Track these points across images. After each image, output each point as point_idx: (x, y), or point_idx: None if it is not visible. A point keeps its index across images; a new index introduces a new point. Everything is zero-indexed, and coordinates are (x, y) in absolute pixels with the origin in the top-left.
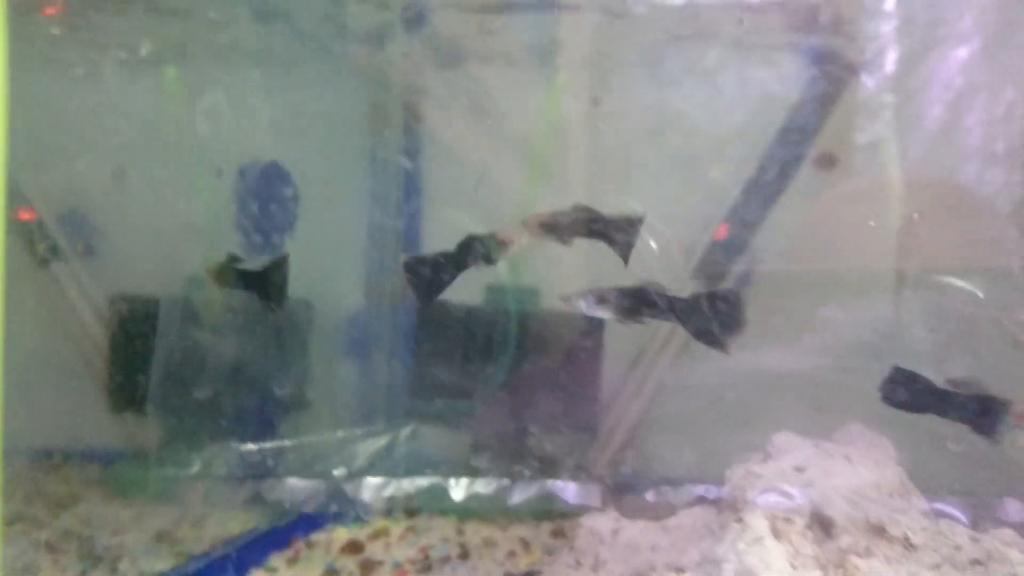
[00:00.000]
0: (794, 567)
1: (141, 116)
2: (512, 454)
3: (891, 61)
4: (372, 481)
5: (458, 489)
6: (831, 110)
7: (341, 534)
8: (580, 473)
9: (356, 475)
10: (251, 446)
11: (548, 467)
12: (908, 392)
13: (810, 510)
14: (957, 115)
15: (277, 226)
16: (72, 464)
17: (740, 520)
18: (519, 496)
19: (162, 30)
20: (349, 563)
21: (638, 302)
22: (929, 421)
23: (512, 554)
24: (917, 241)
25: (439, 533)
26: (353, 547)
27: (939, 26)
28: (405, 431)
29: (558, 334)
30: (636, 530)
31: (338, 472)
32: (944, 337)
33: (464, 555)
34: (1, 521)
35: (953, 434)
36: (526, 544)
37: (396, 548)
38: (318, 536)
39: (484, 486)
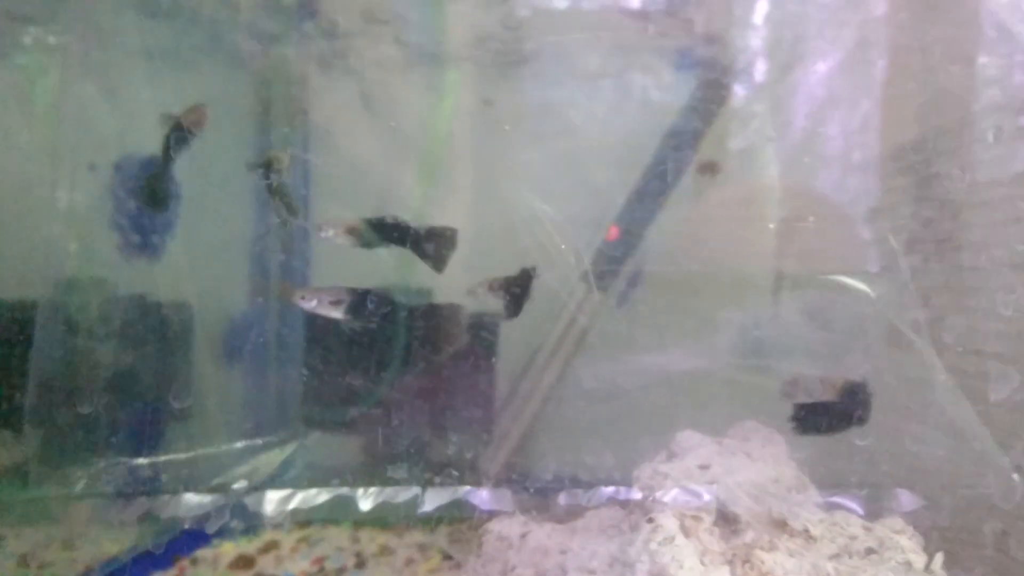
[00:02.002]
0: (704, 564)
1: (5, 105)
2: (417, 460)
3: (760, 72)
4: (274, 494)
5: (366, 499)
6: (713, 118)
7: (228, 549)
8: (480, 477)
9: (256, 488)
10: (141, 460)
11: (449, 473)
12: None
13: (716, 507)
14: (820, 124)
15: (157, 225)
16: None
17: (651, 520)
18: (431, 504)
19: (34, 12)
20: None
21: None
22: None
23: (410, 561)
24: (794, 244)
25: (333, 543)
26: (242, 562)
27: (803, 41)
28: (305, 440)
29: (452, 336)
30: (544, 533)
31: (238, 485)
32: (836, 336)
33: (361, 564)
34: None
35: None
36: (424, 550)
37: (288, 560)
38: (204, 552)
39: (393, 495)
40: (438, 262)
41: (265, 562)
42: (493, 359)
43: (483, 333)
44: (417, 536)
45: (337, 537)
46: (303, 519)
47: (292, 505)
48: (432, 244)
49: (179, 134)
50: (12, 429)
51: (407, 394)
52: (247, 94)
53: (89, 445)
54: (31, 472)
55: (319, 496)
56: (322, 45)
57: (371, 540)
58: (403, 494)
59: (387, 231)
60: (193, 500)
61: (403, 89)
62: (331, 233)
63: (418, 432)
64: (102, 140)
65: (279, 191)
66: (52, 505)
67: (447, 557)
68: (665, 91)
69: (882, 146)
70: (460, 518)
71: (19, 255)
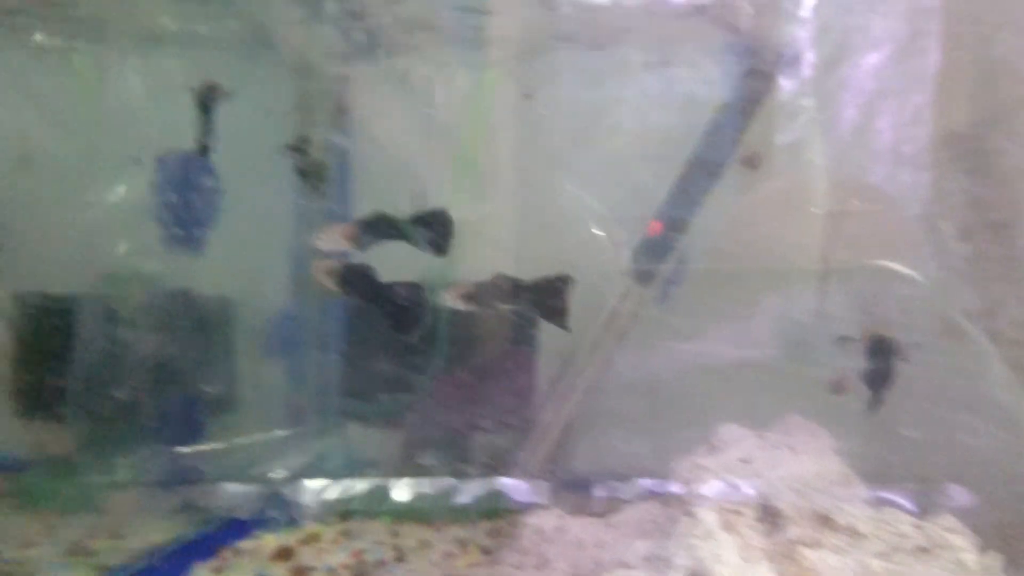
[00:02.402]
0: (744, 560)
1: (50, 101)
2: (456, 452)
3: (808, 65)
4: (312, 484)
5: (401, 490)
6: (756, 112)
7: (270, 541)
8: (518, 470)
9: (294, 478)
10: (182, 450)
11: (487, 465)
12: None
13: (758, 502)
14: (869, 118)
15: (199, 219)
16: None
17: (690, 514)
18: (466, 495)
19: (75, 9)
20: (279, 570)
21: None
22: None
23: (449, 555)
24: (841, 234)
25: (373, 536)
26: (283, 554)
27: (852, 33)
28: (343, 431)
29: (492, 329)
30: (581, 527)
31: (275, 475)
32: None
33: (400, 558)
34: None
35: (909, 420)
36: (463, 544)
37: (328, 553)
38: (245, 544)
39: (429, 486)
40: (438, 248)
41: (305, 554)
42: (533, 352)
43: (523, 325)
44: (456, 531)
45: (376, 531)
46: (340, 509)
47: (330, 495)
48: (427, 230)
49: (210, 94)
50: (58, 420)
51: (446, 386)
52: (287, 88)
53: (132, 435)
54: (77, 461)
55: (357, 486)
56: (361, 37)
57: (410, 534)
58: (440, 485)
59: (380, 228)
60: (233, 489)
61: (443, 82)
62: (327, 242)
63: (455, 424)
64: (145, 134)
65: (312, 169)
66: (97, 494)
67: (486, 552)
68: (709, 85)
69: (934, 131)
70: (498, 513)
71: (64, 249)
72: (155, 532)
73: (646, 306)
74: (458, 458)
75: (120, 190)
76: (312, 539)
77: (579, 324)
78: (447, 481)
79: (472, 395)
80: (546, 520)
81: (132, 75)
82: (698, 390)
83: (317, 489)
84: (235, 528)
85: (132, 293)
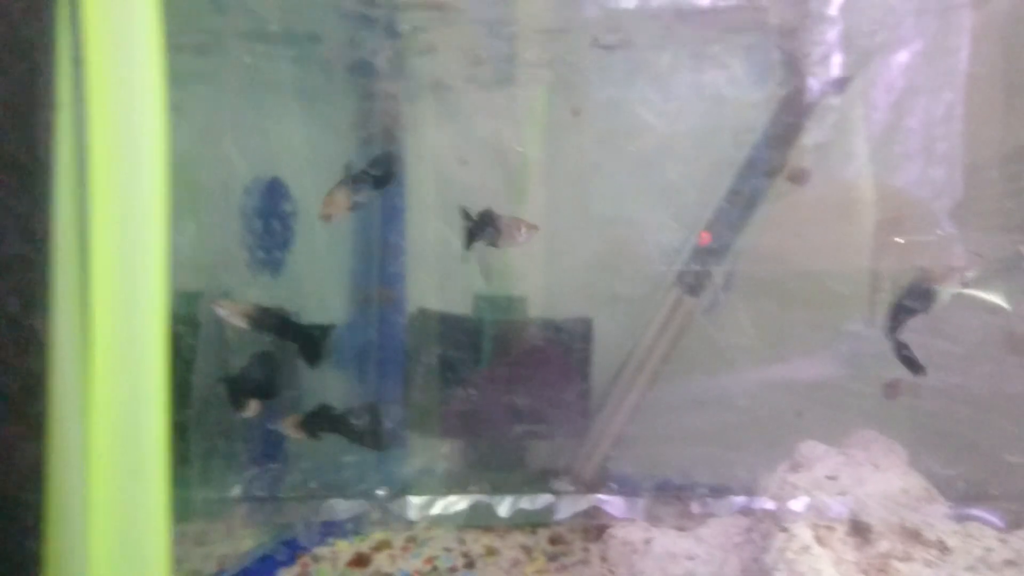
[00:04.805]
0: (840, 574)
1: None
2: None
3: (836, 65)
4: (416, 500)
5: (503, 506)
6: (804, 123)
7: (344, 547)
8: (568, 481)
9: (398, 494)
10: (288, 466)
11: (541, 478)
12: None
13: (848, 517)
14: (899, 117)
15: (278, 242)
16: None
17: (785, 529)
18: (565, 511)
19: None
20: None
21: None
22: (963, 428)
23: (517, 562)
24: (889, 242)
25: (440, 543)
26: (360, 560)
27: (881, 31)
28: (440, 449)
29: (550, 342)
30: (669, 540)
31: (381, 492)
32: (950, 343)
33: (470, 564)
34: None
35: (1016, 444)
36: (528, 551)
37: (401, 560)
38: (321, 550)
39: (529, 503)
40: (310, 359)
41: (380, 560)
42: (585, 365)
43: (576, 339)
44: (520, 537)
45: (443, 538)
46: (445, 524)
47: (434, 511)
48: (306, 341)
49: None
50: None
51: (510, 393)
52: (349, 112)
53: (242, 452)
54: (192, 475)
55: (459, 503)
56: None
57: (475, 541)
58: (539, 501)
59: (267, 321)
60: (340, 505)
61: (489, 101)
62: (225, 312)
63: (504, 435)
64: (233, 165)
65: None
66: (207, 507)
67: (552, 558)
68: (739, 87)
69: (988, 135)
70: (555, 522)
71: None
72: (238, 540)
73: (695, 316)
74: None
75: (210, 219)
76: (383, 545)
77: (628, 334)
78: (545, 498)
79: (522, 406)
80: (632, 531)
81: (223, 113)
82: (757, 404)
83: (422, 504)
84: (308, 537)
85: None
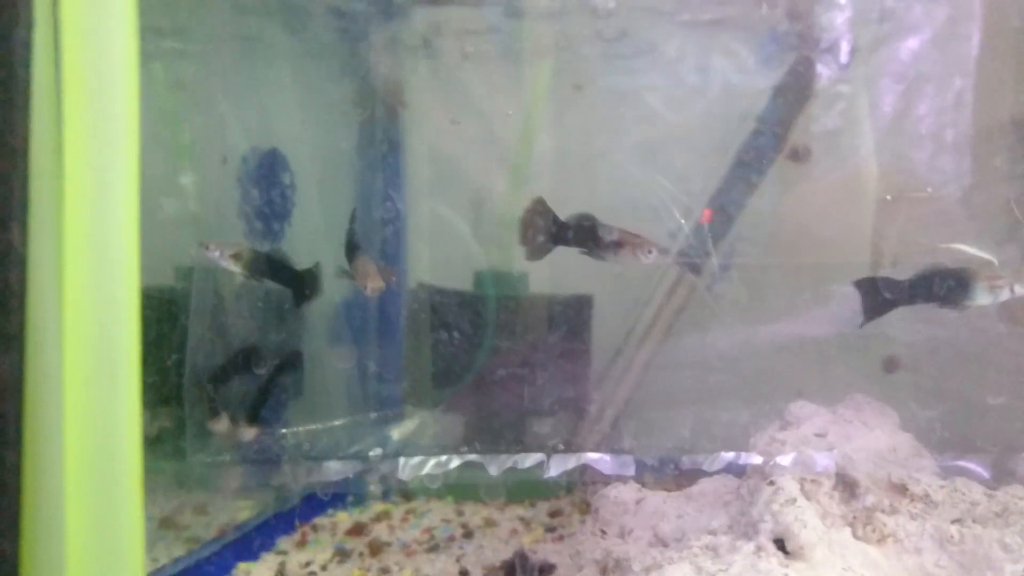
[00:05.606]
0: (826, 526)
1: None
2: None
3: (845, 52)
4: (410, 460)
5: (495, 464)
6: (806, 101)
7: (343, 518)
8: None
9: (391, 455)
10: (283, 430)
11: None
12: (879, 295)
13: (835, 472)
14: (909, 104)
15: (277, 213)
16: None
17: (772, 483)
18: (556, 469)
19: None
20: (358, 544)
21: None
22: (958, 383)
23: (514, 532)
24: (891, 224)
25: (439, 515)
26: (358, 529)
27: (890, 18)
28: (434, 412)
29: (551, 316)
30: (659, 499)
31: (374, 453)
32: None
33: (468, 534)
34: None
35: (991, 389)
36: (526, 523)
37: (400, 530)
38: (321, 520)
39: (521, 461)
40: (299, 298)
41: (379, 530)
42: (587, 336)
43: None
44: (518, 510)
45: (442, 510)
46: (436, 484)
47: (425, 470)
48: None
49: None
50: (165, 403)
51: (513, 368)
52: (346, 88)
53: (236, 417)
54: (186, 440)
55: (451, 462)
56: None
57: (475, 513)
58: (529, 460)
59: (258, 263)
60: (334, 467)
61: (492, 78)
62: (216, 254)
63: (509, 406)
64: (230, 135)
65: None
66: (201, 471)
67: (549, 529)
68: (748, 74)
69: (990, 116)
70: (557, 494)
71: (169, 242)
72: (240, 509)
73: (696, 292)
74: (515, 440)
75: (206, 188)
76: (383, 516)
77: (630, 309)
78: (536, 456)
79: (525, 378)
80: (624, 492)
81: (213, 80)
82: (761, 368)
83: (415, 464)
84: (308, 506)
85: (223, 284)
